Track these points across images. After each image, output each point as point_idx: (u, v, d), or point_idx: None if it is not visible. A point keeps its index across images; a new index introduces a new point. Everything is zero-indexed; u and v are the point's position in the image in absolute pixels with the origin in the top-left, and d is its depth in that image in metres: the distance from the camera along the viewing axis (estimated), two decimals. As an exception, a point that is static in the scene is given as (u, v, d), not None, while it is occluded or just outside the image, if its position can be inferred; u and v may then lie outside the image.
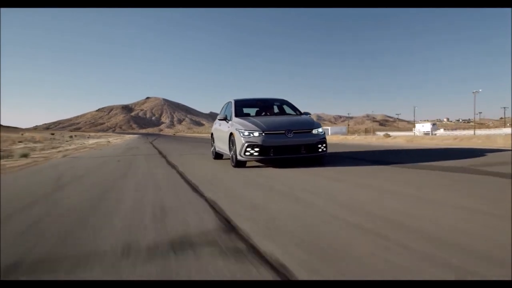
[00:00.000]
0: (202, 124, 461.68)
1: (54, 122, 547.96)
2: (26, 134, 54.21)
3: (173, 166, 7.31)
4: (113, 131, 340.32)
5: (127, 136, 60.63)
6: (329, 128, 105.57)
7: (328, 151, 6.91)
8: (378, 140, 19.17)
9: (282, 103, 8.49)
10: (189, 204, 3.42)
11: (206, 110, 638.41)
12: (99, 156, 11.77)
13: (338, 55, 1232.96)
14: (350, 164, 6.79)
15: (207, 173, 6.10)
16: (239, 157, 6.29)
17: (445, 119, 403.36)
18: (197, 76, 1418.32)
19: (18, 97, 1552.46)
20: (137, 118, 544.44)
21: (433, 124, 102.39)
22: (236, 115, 7.32)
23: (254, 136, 6.16)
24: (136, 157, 10.68)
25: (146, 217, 2.94)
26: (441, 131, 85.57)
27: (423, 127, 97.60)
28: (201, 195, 3.87)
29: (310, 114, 7.74)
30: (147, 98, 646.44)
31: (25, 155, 12.32)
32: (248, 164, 6.56)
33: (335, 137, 29.65)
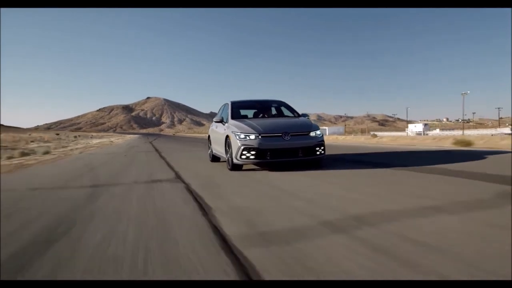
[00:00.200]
0: (203, 124, 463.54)
1: (55, 122, 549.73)
2: (34, 134, 56.75)
3: (163, 158, 10.30)
4: (114, 131, 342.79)
5: (128, 136, 63.36)
6: (326, 128, 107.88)
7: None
8: (365, 140, 20.79)
9: (279, 104, 8.40)
10: (165, 172, 6.56)
11: (206, 110, 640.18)
12: (108, 153, 14.47)
13: (338, 55, 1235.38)
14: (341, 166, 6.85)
15: (182, 162, 9.12)
16: (235, 160, 6.24)
17: (444, 119, 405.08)
18: (198, 76, 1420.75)
19: (19, 97, 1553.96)
20: (138, 118, 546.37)
21: (425, 125, 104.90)
22: (233, 117, 7.28)
23: (250, 139, 6.09)
24: (137, 153, 13.53)
25: (143, 175, 6.17)
26: (436, 131, 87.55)
27: (415, 128, 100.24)
28: (172, 169, 7.07)
29: (308, 116, 7.68)
30: (148, 98, 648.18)
31: (47, 152, 14.96)
32: (244, 166, 6.59)
33: (325, 137, 31.68)
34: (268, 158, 6.05)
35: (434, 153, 8.96)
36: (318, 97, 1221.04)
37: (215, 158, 8.41)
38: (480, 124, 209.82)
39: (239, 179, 5.35)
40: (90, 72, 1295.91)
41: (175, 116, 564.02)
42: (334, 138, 27.21)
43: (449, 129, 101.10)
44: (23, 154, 14.75)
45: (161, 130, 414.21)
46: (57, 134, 63.10)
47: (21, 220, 3.18)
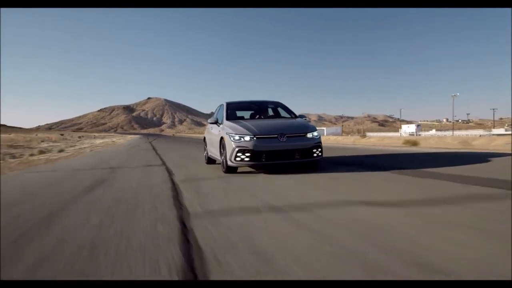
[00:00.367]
0: (203, 125, 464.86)
1: (56, 122, 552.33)
2: (40, 135, 59.30)
3: (158, 155, 13.28)
4: (115, 131, 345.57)
5: (129, 137, 66.18)
6: (324, 129, 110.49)
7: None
8: (355, 140, 22.21)
9: (276, 105, 8.33)
10: (156, 162, 9.60)
11: (207, 111, 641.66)
12: (114, 151, 17.28)
13: (338, 55, 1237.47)
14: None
15: (172, 157, 12.10)
16: (229, 163, 6.17)
17: (444, 119, 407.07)
18: (198, 77, 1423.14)
19: (20, 97, 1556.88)
20: (139, 119, 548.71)
21: (418, 125, 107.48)
22: (228, 119, 7.18)
23: (245, 141, 6.00)
24: (138, 151, 16.24)
25: (142, 163, 9.34)
26: (432, 132, 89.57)
27: (408, 128, 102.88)
28: (161, 159, 10.16)
29: (305, 117, 7.59)
30: (149, 98, 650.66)
31: (61, 150, 17.59)
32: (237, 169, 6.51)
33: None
34: (264, 160, 5.96)
35: (385, 152, 11.34)
36: (318, 97, 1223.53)
37: (210, 161, 8.30)
38: (480, 125, 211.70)
39: (201, 163, 8.43)
40: (91, 72, 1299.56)
41: (175, 116, 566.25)
42: (326, 139, 28.56)
43: (445, 130, 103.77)
44: (41, 152, 17.38)
45: (162, 130, 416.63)
46: (62, 135, 65.79)
47: (78, 180, 6.35)
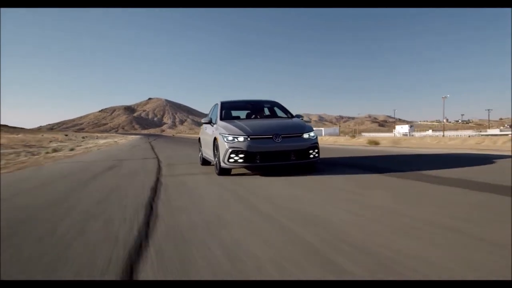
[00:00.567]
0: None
1: (58, 122, 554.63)
2: (46, 135, 61.99)
3: (154, 152, 16.13)
4: (116, 132, 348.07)
5: (130, 137, 68.93)
6: (322, 129, 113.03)
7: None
8: (344, 141, 24.20)
9: (272, 105, 8.19)
10: (151, 156, 12.57)
11: (207, 111, 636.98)
12: (118, 149, 20.16)
13: (340, 55, 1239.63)
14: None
15: (165, 154, 15.04)
16: (222, 164, 6.01)
17: (444, 120, 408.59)
18: (199, 77, 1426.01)
19: (21, 97, 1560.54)
20: (140, 119, 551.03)
21: (411, 126, 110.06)
22: (221, 118, 7.03)
23: (238, 141, 5.84)
24: (138, 150, 19.13)
25: (140, 156, 12.54)
26: (428, 133, 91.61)
27: (402, 129, 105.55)
28: (156, 153, 13.39)
29: (302, 117, 7.41)
30: (149, 99, 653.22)
31: (72, 149, 20.23)
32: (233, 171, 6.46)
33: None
34: (258, 161, 5.80)
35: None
36: (319, 97, 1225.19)
37: (205, 162, 8.19)
38: (479, 125, 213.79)
39: (186, 158, 11.19)
40: (91, 72, 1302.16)
41: (176, 116, 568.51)
42: (319, 139, 30.51)
43: (442, 130, 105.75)
44: (54, 150, 20.01)
45: (163, 130, 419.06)
46: (66, 135, 68.36)
47: (99, 166, 9.45)
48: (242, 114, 7.90)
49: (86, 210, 3.85)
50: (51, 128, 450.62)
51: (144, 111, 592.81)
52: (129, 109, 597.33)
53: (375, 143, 18.41)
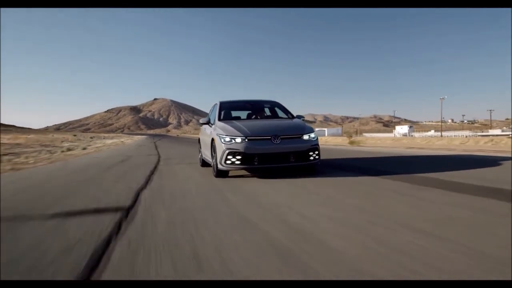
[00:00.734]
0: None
1: (64, 123, 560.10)
2: (56, 136, 64.45)
3: (157, 150, 18.41)
4: (122, 132, 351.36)
5: (136, 137, 71.36)
6: (325, 129, 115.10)
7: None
8: (341, 141, 26.75)
9: (273, 105, 8.05)
10: (154, 150, 15.04)
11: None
12: (125, 148, 22.52)
13: (347, 56, 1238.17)
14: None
15: (167, 152, 17.18)
16: (219, 166, 5.87)
17: (449, 120, 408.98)
18: (204, 78, 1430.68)
19: (28, 98, 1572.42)
20: (145, 119, 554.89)
21: (410, 127, 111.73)
22: (220, 119, 6.94)
23: (235, 143, 5.68)
24: (144, 149, 21.45)
25: (145, 154, 14.84)
26: (430, 133, 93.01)
27: (401, 129, 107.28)
28: (157, 150, 16.04)
29: (303, 117, 7.27)
30: (155, 99, 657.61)
31: (85, 148, 22.52)
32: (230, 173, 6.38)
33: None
34: (256, 163, 5.67)
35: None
36: (325, 98, 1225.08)
37: (205, 164, 7.99)
38: (485, 125, 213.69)
39: (181, 155, 13.25)
40: (98, 73, 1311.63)
41: (181, 117, 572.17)
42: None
43: (445, 130, 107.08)
44: (69, 149, 22.31)
45: (168, 131, 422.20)
46: (75, 135, 70.64)
47: (113, 160, 11.99)
48: (242, 114, 7.81)
49: (113, 180, 6.50)
50: (58, 128, 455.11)
51: (149, 111, 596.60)
52: (135, 110, 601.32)
53: (357, 143, 20.76)
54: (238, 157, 5.67)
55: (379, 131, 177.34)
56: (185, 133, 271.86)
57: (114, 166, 9.49)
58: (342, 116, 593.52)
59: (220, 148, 5.82)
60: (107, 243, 2.60)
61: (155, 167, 8.51)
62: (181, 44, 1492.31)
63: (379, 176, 5.65)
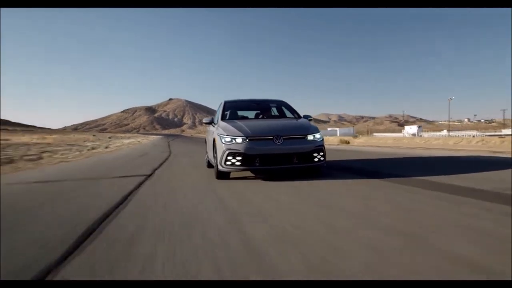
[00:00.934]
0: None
1: (81, 123, 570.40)
2: (77, 136, 67.78)
3: (170, 148, 21.27)
4: (137, 132, 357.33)
5: (151, 137, 74.50)
6: (337, 129, 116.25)
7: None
8: (334, 141, 30.31)
9: (279, 104, 7.84)
10: (167, 149, 18.13)
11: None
12: (143, 147, 25.29)
13: (362, 57, 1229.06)
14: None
15: (177, 150, 20.13)
16: (219, 167, 5.65)
17: (466, 120, 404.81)
18: (219, 78, 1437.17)
19: (47, 99, 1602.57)
20: (160, 119, 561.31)
21: (419, 127, 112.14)
22: (223, 118, 6.78)
23: (236, 143, 5.47)
24: (159, 148, 24.16)
25: (159, 151, 17.86)
26: (443, 133, 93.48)
27: (410, 129, 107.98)
28: (169, 147, 19.32)
29: (311, 117, 6.97)
30: (170, 99, 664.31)
31: (106, 147, 25.28)
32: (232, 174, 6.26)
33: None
34: (257, 165, 5.41)
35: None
36: (339, 97, 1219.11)
37: (210, 165, 7.64)
38: (503, 125, 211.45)
39: (189, 151, 15.95)
40: (114, 74, 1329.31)
41: (196, 117, 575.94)
42: (326, 139, 32.47)
43: (458, 130, 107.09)
44: (93, 148, 25.06)
45: (183, 131, 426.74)
46: (94, 135, 73.80)
47: (135, 154, 15.18)
48: (250, 114, 7.63)
49: (139, 165, 9.77)
50: (75, 128, 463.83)
51: (164, 111, 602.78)
52: (150, 110, 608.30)
53: (347, 142, 23.03)
54: (239, 158, 5.45)
55: (393, 130, 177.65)
56: (199, 133, 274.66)
57: (136, 158, 12.63)
58: (356, 116, 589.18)
59: (221, 148, 5.61)
60: (141, 183, 5.80)
61: (166, 159, 11.61)
62: (196, 45, 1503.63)
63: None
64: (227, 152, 5.50)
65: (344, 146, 19.75)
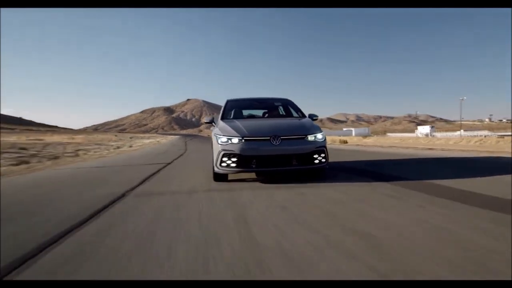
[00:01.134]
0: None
1: (101, 123, 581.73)
2: (101, 136, 71.37)
3: (186, 147, 24.44)
4: (156, 132, 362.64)
5: (170, 137, 77.72)
6: (353, 129, 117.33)
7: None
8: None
9: (283, 103, 7.47)
10: (183, 146, 21.36)
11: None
12: (162, 146, 28.24)
13: (384, 58, 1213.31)
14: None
15: (193, 148, 23.13)
16: (215, 168, 5.41)
17: (486, 119, 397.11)
18: (236, 78, 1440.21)
19: (69, 100, 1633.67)
20: (178, 119, 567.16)
21: (432, 127, 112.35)
22: (223, 117, 6.57)
23: (232, 143, 5.21)
24: (177, 147, 27.25)
25: (176, 150, 21.04)
26: (458, 133, 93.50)
27: (423, 129, 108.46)
28: (186, 145, 22.78)
29: (316, 116, 6.65)
30: (188, 100, 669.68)
31: (130, 146, 28.30)
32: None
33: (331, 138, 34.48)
34: (254, 166, 5.13)
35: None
36: (358, 97, 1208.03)
37: None
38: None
39: (202, 149, 18.97)
40: (134, 75, 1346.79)
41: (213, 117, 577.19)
42: (332, 140, 31.14)
43: (475, 130, 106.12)
44: (118, 147, 28.06)
45: (200, 131, 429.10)
46: (116, 136, 76.93)
47: (157, 152, 18.33)
48: (254, 113, 7.51)
49: (162, 158, 12.67)
50: (96, 128, 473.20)
51: (182, 111, 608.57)
52: (168, 110, 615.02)
53: (344, 142, 25.48)
54: (234, 159, 5.17)
55: (411, 130, 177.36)
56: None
57: (159, 155, 15.62)
58: (375, 116, 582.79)
59: (216, 149, 5.38)
60: (161, 168, 8.62)
61: (182, 155, 14.57)
62: (214, 45, 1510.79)
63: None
64: (222, 153, 5.24)
65: (341, 146, 22.19)
